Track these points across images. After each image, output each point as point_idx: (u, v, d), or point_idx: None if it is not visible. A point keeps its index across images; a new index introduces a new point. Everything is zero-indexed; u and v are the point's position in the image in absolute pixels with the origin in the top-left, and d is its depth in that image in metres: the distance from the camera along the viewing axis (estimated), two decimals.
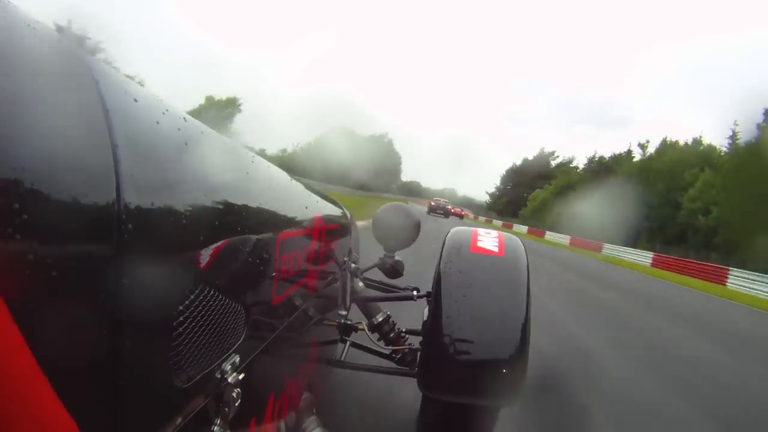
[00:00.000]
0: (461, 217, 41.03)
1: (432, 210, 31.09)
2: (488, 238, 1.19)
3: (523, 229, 38.54)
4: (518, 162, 64.34)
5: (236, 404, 0.47)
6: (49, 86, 0.28)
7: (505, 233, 1.30)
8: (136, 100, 0.37)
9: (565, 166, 54.69)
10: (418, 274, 1.86)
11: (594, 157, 47.45)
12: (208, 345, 0.43)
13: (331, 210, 1.20)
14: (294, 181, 0.92)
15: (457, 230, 1.27)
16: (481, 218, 57.07)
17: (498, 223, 46.97)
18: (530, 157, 62.26)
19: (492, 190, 69.69)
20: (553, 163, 57.72)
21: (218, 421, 0.45)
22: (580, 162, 54.31)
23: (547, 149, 63.07)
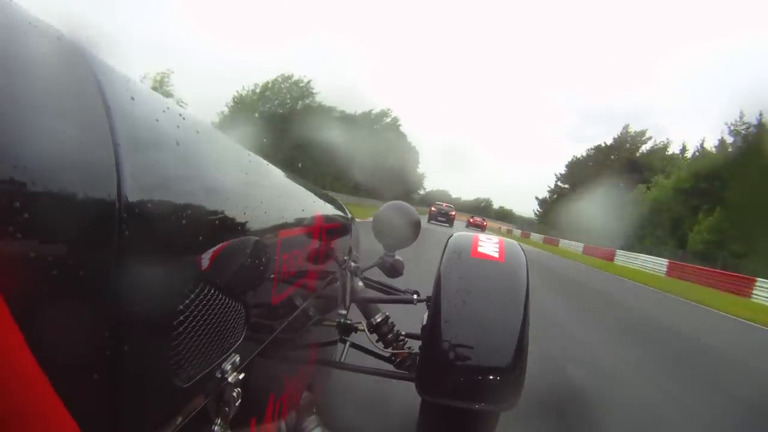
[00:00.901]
0: (483, 228, 32.07)
1: (432, 217, 25.75)
2: (489, 244, 1.19)
3: (659, 266, 19.69)
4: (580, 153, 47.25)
5: (236, 404, 0.47)
6: (51, 84, 0.28)
7: (506, 238, 1.30)
8: (135, 99, 0.37)
9: (661, 152, 37.79)
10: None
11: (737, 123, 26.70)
12: (209, 344, 0.43)
13: (331, 209, 1.20)
14: (294, 181, 0.92)
15: (459, 235, 1.27)
16: (536, 237, 38.68)
17: (575, 247, 29.16)
18: (609, 141, 43.13)
19: (543, 194, 51.52)
20: (644, 148, 39.66)
21: (218, 421, 0.45)
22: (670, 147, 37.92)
23: (633, 128, 42.88)
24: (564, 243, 32.02)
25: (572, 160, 48.32)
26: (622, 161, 38.77)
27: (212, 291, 0.42)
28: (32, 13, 0.30)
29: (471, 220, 35.30)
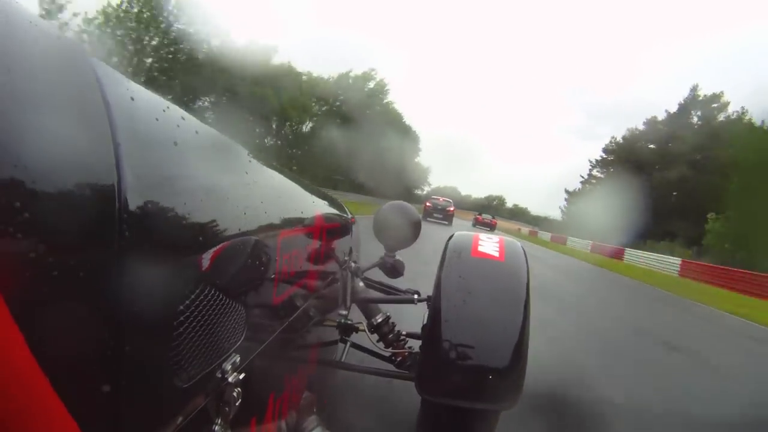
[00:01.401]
0: (492, 228, 28.30)
1: (428, 214, 22.18)
2: (489, 243, 1.20)
3: None
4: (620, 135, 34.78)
5: (237, 404, 0.47)
6: (51, 84, 0.28)
7: (507, 237, 1.30)
8: (135, 98, 0.37)
9: (739, 123, 27.72)
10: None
11: None
12: (209, 344, 0.43)
13: (331, 209, 1.20)
14: (294, 181, 0.92)
15: (459, 235, 1.28)
16: (574, 243, 27.48)
17: (660, 264, 18.03)
18: (667, 112, 32.21)
19: (575, 185, 41.02)
20: (720, 117, 29.43)
21: (219, 421, 0.45)
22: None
23: (703, 90, 31.19)
24: (631, 255, 20.93)
25: (611, 141, 37.46)
26: (699, 132, 27.71)
27: (212, 291, 0.42)
28: (32, 12, 0.30)
29: (479, 218, 30.49)
